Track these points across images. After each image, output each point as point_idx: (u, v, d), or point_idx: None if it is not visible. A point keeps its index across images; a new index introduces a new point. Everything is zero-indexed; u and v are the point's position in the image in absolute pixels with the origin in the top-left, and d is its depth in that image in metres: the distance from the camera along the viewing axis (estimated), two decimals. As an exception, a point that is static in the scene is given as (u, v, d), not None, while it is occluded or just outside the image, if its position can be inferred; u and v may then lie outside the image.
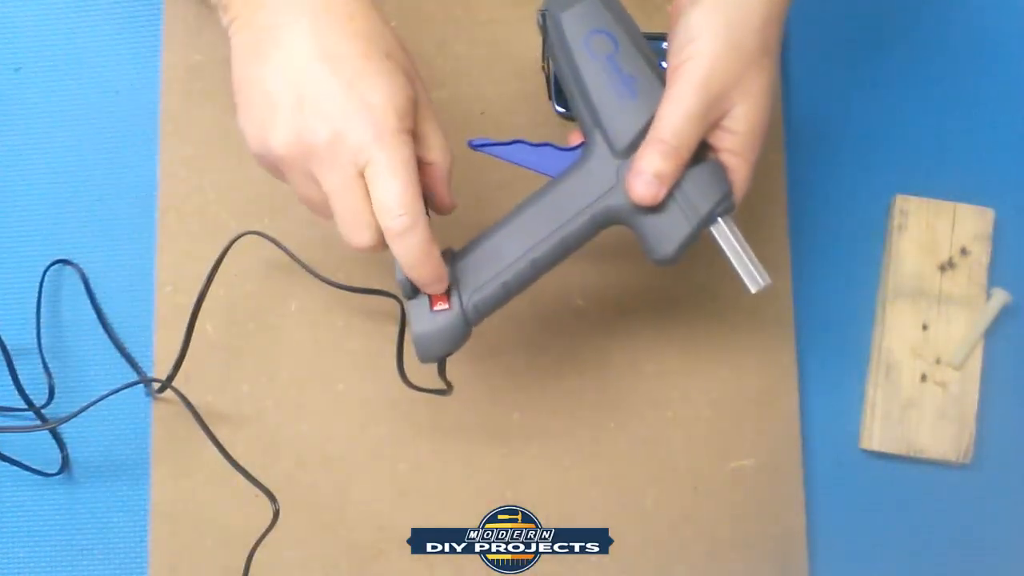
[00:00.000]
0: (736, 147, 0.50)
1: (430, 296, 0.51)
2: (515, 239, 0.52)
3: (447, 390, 0.57)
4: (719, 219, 0.51)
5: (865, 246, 0.69)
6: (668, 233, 0.51)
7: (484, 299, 0.52)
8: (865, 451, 0.66)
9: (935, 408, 0.66)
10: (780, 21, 0.49)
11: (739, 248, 0.52)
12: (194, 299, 0.62)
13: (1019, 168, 0.70)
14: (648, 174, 0.49)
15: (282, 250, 0.64)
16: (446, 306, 0.51)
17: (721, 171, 0.51)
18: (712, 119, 0.49)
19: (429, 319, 0.52)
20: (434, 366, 0.56)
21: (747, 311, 0.67)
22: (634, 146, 0.50)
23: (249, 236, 0.66)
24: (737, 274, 0.52)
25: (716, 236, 0.52)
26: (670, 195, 0.50)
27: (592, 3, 0.51)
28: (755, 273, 0.52)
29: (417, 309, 0.52)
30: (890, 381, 0.66)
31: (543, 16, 0.52)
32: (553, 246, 0.51)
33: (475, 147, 0.53)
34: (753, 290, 0.52)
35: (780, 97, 0.69)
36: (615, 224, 0.52)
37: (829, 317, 0.68)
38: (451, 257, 0.53)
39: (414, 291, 0.51)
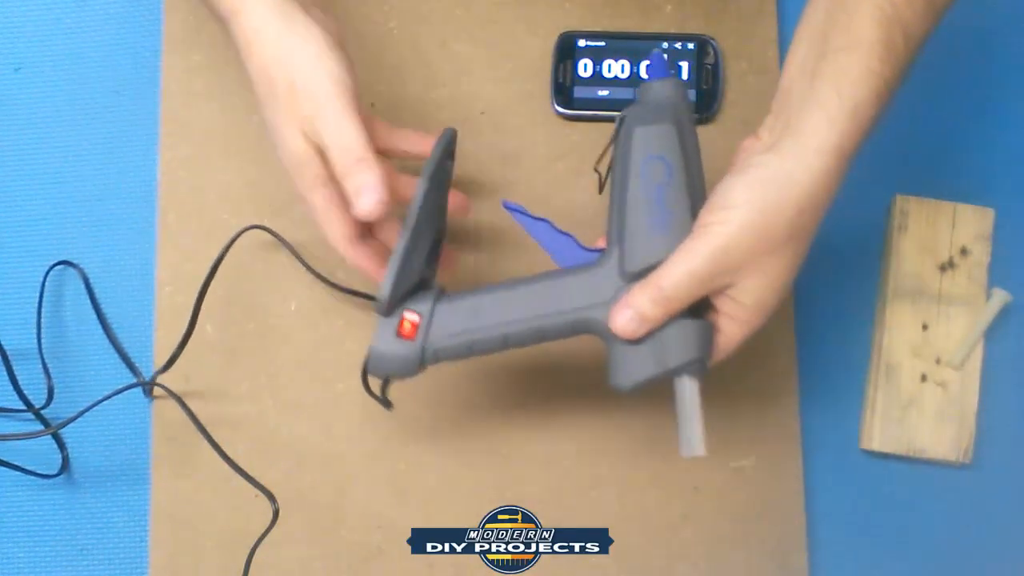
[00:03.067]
0: (736, 315, 0.51)
1: (402, 322, 0.52)
2: (498, 309, 0.52)
3: (389, 405, 0.57)
4: (686, 376, 0.52)
5: (865, 246, 0.69)
6: (632, 368, 0.52)
7: (446, 349, 0.53)
8: (865, 451, 0.66)
9: (935, 408, 0.66)
10: (817, 211, 0.49)
11: (692, 412, 0.52)
12: (194, 299, 0.62)
13: (1019, 168, 0.70)
14: (633, 312, 0.50)
15: (283, 244, 0.64)
16: (411, 338, 0.52)
17: (709, 333, 0.51)
18: (716, 285, 0.50)
19: (391, 341, 0.52)
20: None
21: (747, 311, 0.67)
22: (641, 276, 0.51)
23: (249, 237, 0.66)
24: (680, 432, 0.52)
25: (676, 390, 0.52)
26: (650, 335, 0.51)
27: (668, 129, 0.52)
28: (693, 441, 0.51)
29: (384, 328, 0.53)
30: (890, 381, 0.66)
31: (621, 121, 0.53)
32: (529, 331, 0.52)
33: (507, 208, 0.54)
34: (683, 454, 0.52)
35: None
36: (593, 334, 0.53)
37: (829, 317, 0.68)
38: (436, 296, 0.53)
39: (388, 311, 0.52)
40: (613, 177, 0.53)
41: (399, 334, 0.52)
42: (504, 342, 0.53)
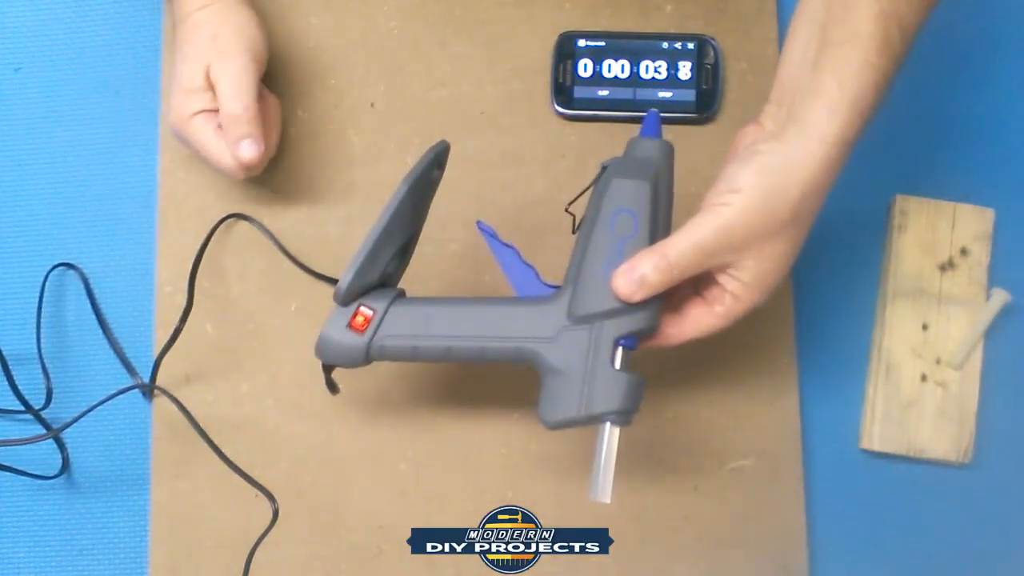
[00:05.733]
0: (739, 292, 0.53)
1: (355, 314, 0.54)
2: (447, 322, 0.54)
3: (335, 389, 0.59)
4: (608, 424, 0.53)
5: (865, 246, 0.69)
6: (559, 406, 0.53)
7: (392, 348, 0.54)
8: (865, 451, 0.66)
9: (935, 408, 0.66)
10: (818, 197, 0.51)
11: (607, 459, 0.53)
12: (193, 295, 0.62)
13: (1019, 168, 0.70)
14: (636, 275, 0.51)
15: (265, 233, 0.65)
16: (361, 331, 0.54)
17: (639, 389, 0.53)
18: (717, 262, 0.52)
19: (340, 330, 0.54)
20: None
21: (747, 311, 0.67)
22: (586, 321, 0.52)
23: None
24: (591, 474, 0.53)
25: (599, 435, 0.53)
26: (588, 379, 0.52)
27: (644, 186, 0.53)
28: (601, 487, 0.53)
29: (338, 316, 0.55)
30: (890, 381, 0.66)
31: (603, 169, 0.55)
32: (471, 348, 0.54)
33: (480, 229, 0.56)
34: (590, 497, 0.53)
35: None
36: (529, 366, 0.54)
37: (829, 317, 0.68)
38: (394, 297, 0.55)
39: (346, 301, 0.54)
40: (584, 220, 0.55)
41: (351, 326, 0.54)
42: (447, 354, 0.54)
